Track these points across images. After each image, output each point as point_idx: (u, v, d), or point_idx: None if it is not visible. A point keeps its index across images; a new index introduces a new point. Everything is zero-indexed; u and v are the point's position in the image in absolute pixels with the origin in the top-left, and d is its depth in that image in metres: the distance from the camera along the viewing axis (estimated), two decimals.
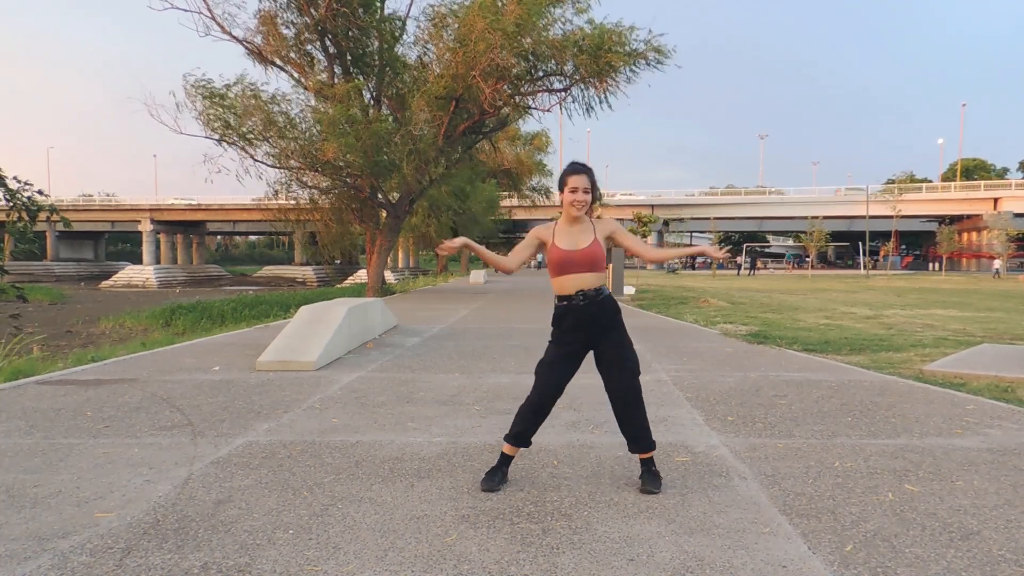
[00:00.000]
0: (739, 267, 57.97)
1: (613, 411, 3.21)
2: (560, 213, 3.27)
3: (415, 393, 5.45)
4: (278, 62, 17.66)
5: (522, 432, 3.19)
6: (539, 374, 3.18)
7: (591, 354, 3.21)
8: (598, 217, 3.41)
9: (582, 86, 16.85)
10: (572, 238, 3.13)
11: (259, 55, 17.31)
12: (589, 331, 3.13)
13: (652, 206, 63.79)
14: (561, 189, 3.15)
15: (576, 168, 3.13)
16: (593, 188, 3.12)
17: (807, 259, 60.81)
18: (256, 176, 20.71)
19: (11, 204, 9.72)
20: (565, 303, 3.13)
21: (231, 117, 15.00)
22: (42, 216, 10.21)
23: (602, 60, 15.44)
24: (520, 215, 52.53)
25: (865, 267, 57.30)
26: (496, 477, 3.19)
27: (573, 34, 15.92)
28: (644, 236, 55.44)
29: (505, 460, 3.25)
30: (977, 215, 60.83)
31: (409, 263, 58.88)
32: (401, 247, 50.15)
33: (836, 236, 69.05)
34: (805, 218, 55.36)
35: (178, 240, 73.57)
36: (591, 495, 3.11)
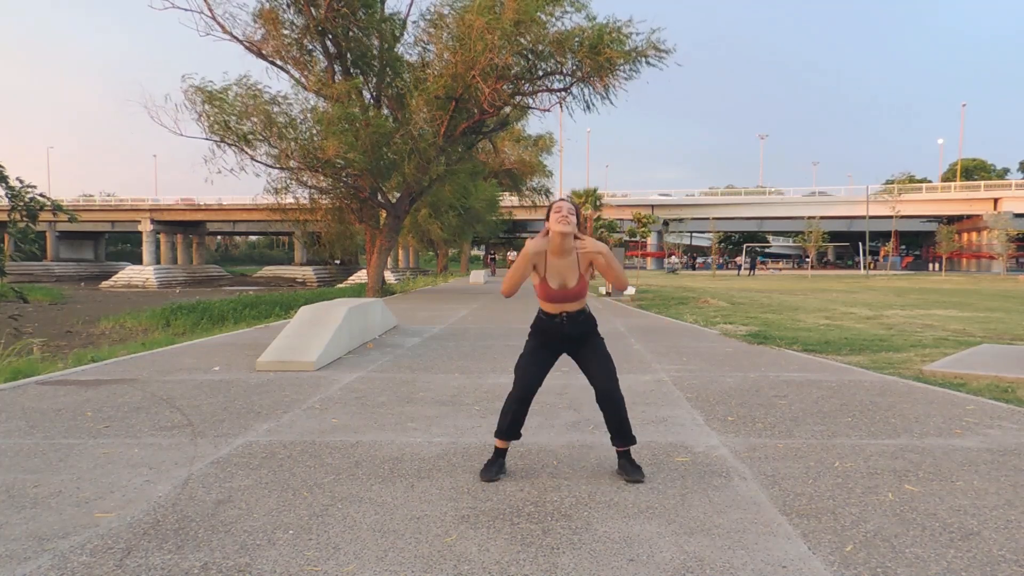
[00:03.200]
0: (739, 267, 57.94)
1: (600, 407, 3.37)
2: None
3: (415, 393, 5.46)
4: (279, 62, 17.66)
5: (510, 425, 3.37)
6: (519, 369, 3.39)
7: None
8: (595, 233, 3.54)
9: (582, 84, 16.83)
10: (561, 276, 3.27)
11: (259, 54, 17.32)
12: (565, 343, 3.42)
13: (652, 206, 63.75)
14: (547, 218, 3.26)
15: (559, 199, 3.39)
16: (578, 216, 3.34)
17: (807, 259, 60.78)
18: (255, 175, 20.72)
19: (13, 205, 9.74)
20: (546, 318, 3.39)
21: (231, 118, 14.97)
22: (47, 215, 10.23)
23: (602, 55, 15.41)
24: (521, 215, 52.52)
25: (865, 267, 57.31)
26: (494, 468, 3.37)
27: (572, 31, 15.92)
28: (644, 237, 55.49)
29: (499, 453, 3.43)
30: (977, 215, 60.76)
31: (409, 263, 58.85)
32: (401, 247, 50.15)
33: (836, 236, 69.01)
34: (804, 218, 55.35)
35: (178, 240, 73.50)
36: (591, 495, 3.11)
